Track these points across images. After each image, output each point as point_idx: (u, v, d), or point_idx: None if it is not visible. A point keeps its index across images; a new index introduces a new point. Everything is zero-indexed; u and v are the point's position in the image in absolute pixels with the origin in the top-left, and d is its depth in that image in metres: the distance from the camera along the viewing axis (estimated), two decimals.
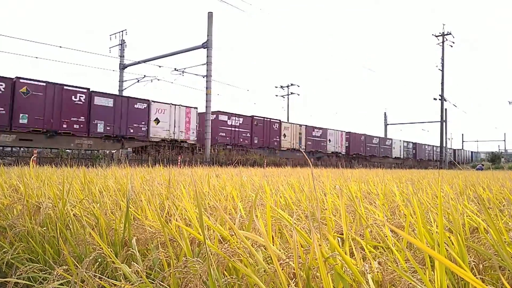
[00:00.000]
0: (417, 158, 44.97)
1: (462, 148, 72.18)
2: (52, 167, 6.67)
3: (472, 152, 70.23)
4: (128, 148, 20.21)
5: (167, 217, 1.90)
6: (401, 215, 1.94)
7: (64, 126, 17.31)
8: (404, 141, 43.30)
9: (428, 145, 48.32)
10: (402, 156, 42.36)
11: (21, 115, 16.03)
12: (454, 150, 59.39)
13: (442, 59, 39.78)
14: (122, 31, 28.53)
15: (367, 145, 37.41)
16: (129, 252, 1.40)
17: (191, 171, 5.85)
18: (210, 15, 22.29)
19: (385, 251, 1.36)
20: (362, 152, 36.46)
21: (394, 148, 41.32)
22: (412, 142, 45.00)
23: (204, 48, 22.73)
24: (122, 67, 28.22)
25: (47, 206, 1.86)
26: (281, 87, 47.04)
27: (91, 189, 2.78)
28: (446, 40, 39.92)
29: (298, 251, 1.00)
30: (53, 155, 16.43)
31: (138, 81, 27.42)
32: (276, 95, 47.25)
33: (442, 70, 39.69)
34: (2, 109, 15.48)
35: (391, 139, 41.60)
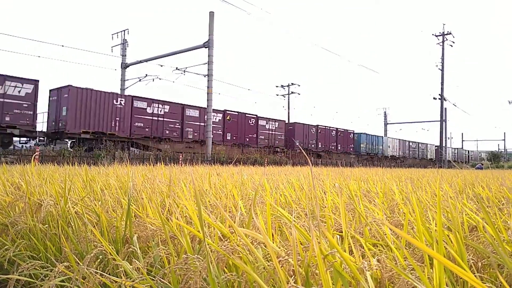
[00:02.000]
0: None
1: (462, 148, 70.91)
2: (54, 165, 6.68)
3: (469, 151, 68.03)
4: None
5: (168, 214, 1.91)
6: (401, 213, 1.95)
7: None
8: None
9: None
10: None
11: None
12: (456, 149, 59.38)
13: (442, 59, 39.75)
14: (124, 30, 28.51)
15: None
16: (130, 249, 1.41)
17: (192, 169, 5.86)
18: (211, 14, 22.28)
19: (384, 249, 1.36)
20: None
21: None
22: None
23: (206, 47, 22.74)
24: (124, 66, 28.22)
25: (49, 204, 1.88)
26: (282, 86, 46.98)
27: (92, 187, 2.79)
28: (446, 39, 39.89)
29: (297, 249, 1.01)
30: (55, 153, 16.48)
31: (140, 80, 27.45)
32: (277, 95, 47.21)
33: (442, 70, 39.64)
34: None
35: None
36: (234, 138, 26.63)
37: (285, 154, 28.77)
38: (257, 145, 28.04)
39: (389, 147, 40.94)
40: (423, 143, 48.06)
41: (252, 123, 28.01)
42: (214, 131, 24.58)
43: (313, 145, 32.26)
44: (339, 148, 34.88)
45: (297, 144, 30.07)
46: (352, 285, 0.99)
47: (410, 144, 45.07)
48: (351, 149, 36.30)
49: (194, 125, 24.30)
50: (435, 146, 49.52)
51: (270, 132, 29.46)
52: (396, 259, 1.16)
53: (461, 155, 58.98)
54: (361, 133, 37.64)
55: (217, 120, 25.37)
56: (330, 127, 34.48)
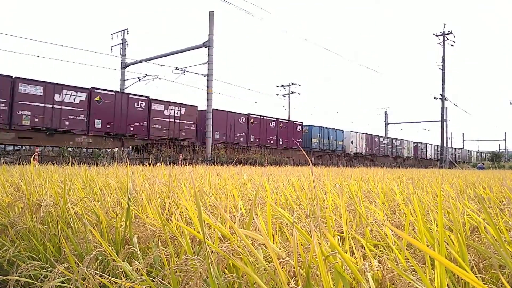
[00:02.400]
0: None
1: (463, 148, 69.76)
2: (53, 165, 6.68)
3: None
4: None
5: (168, 215, 1.90)
6: (402, 213, 1.95)
7: None
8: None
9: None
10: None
11: None
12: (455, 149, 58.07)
13: (443, 58, 39.74)
14: (123, 30, 28.58)
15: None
16: (130, 250, 1.41)
17: (192, 169, 5.86)
18: (211, 14, 22.32)
19: (385, 250, 1.36)
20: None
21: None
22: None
23: (205, 47, 22.79)
24: (124, 66, 28.27)
25: (48, 204, 1.87)
26: (282, 86, 46.97)
27: (92, 187, 2.78)
28: (447, 39, 39.89)
29: (298, 250, 1.01)
30: (54, 154, 16.46)
31: (139, 80, 27.53)
32: (277, 94, 47.19)
33: (443, 70, 39.63)
34: None
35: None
36: (108, 126, 19.34)
37: (195, 150, 22.55)
38: (148, 136, 21.08)
39: (352, 142, 34.74)
40: (398, 139, 42.60)
41: (141, 107, 20.84)
42: (73, 116, 18.18)
43: (242, 139, 25.77)
44: (280, 142, 28.42)
45: (217, 137, 24.10)
46: (353, 286, 0.98)
47: (381, 140, 39.30)
48: (298, 144, 29.66)
49: (35, 107, 16.96)
50: (413, 142, 45.63)
51: (172, 120, 22.17)
52: (397, 260, 1.16)
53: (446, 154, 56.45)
54: (312, 125, 31.37)
55: (77, 102, 18.28)
56: (267, 117, 27.94)
